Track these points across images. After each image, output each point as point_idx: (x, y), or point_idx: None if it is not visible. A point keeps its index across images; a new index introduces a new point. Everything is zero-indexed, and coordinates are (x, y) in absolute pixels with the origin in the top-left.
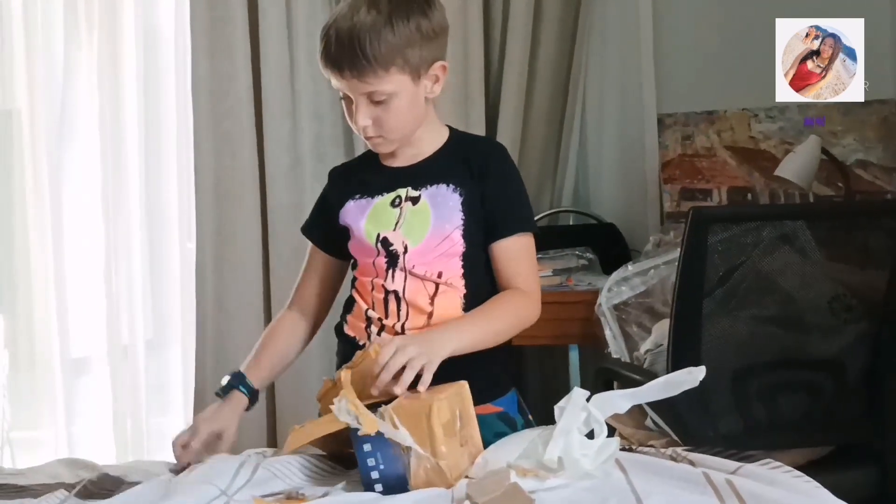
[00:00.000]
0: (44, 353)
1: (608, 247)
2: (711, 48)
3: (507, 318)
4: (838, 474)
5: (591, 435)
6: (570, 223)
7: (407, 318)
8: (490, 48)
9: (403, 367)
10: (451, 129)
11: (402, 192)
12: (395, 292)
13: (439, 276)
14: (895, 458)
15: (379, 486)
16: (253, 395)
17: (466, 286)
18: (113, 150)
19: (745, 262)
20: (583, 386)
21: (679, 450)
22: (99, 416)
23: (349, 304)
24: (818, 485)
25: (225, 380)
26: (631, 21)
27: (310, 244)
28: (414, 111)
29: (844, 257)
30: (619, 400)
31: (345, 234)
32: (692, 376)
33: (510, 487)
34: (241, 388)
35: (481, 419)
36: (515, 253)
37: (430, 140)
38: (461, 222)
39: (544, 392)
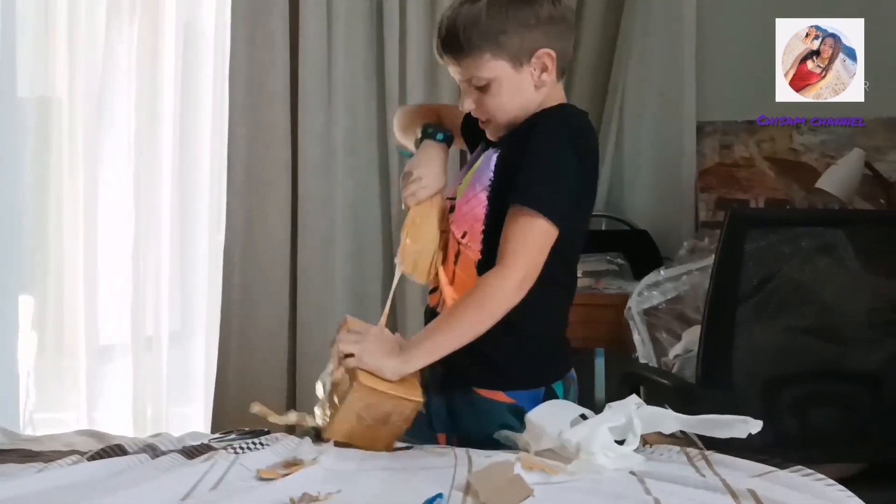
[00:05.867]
0: (70, 338)
1: (640, 254)
2: (755, 56)
3: (467, 318)
4: (871, 492)
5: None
6: (602, 228)
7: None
8: None
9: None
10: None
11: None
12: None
13: (463, 236)
14: None
15: None
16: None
17: (482, 252)
18: (148, 139)
19: (782, 270)
20: (607, 390)
21: (694, 450)
22: (121, 402)
23: None
24: (852, 495)
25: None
26: (674, 27)
27: None
28: (517, 98)
29: (885, 269)
30: (668, 420)
31: None
32: (746, 426)
33: (513, 478)
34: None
35: (488, 404)
36: (511, 224)
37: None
38: (489, 182)
39: None
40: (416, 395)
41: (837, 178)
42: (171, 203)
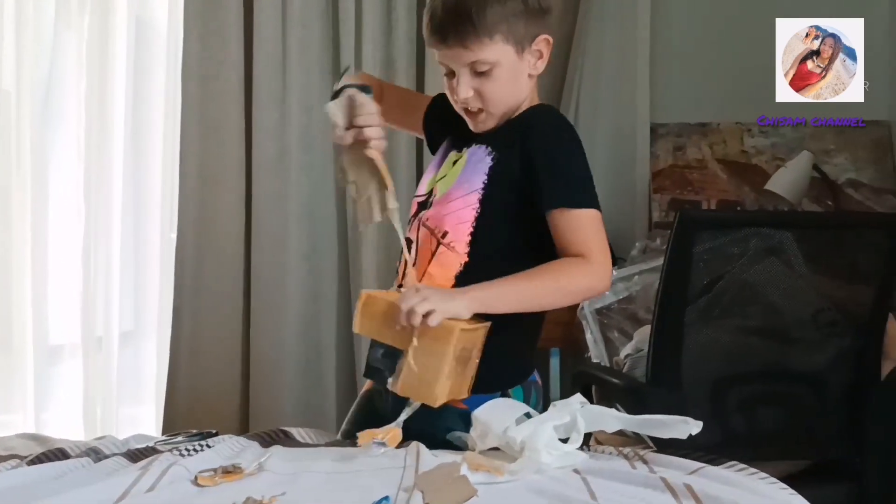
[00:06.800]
0: (18, 338)
1: None
2: (708, 60)
3: (550, 284)
4: (815, 489)
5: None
6: None
7: (405, 274)
8: None
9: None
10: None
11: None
12: (410, 241)
13: (443, 235)
14: (874, 475)
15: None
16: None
17: (470, 255)
18: (99, 135)
19: (731, 271)
20: (561, 389)
21: (637, 449)
22: (70, 403)
23: None
24: (784, 486)
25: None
26: (628, 30)
27: None
28: (515, 85)
29: (831, 271)
30: (611, 419)
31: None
32: (687, 427)
33: (457, 479)
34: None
35: (440, 407)
36: (564, 226)
37: (514, 115)
38: (482, 185)
39: None
40: (483, 323)
41: (786, 181)
42: (123, 200)
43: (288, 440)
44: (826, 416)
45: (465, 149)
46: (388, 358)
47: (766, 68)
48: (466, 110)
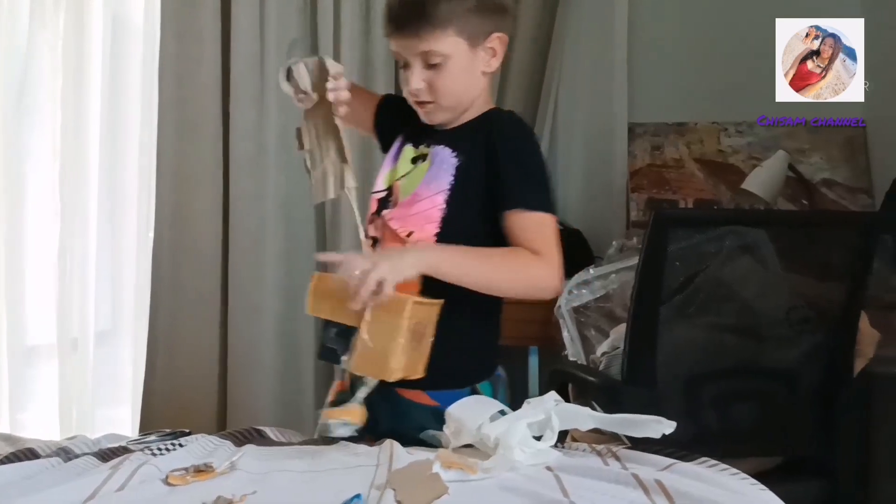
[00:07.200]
0: None
1: (573, 253)
2: (685, 60)
3: (503, 266)
4: (787, 486)
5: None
6: None
7: None
8: None
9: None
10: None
11: (427, 150)
12: (376, 239)
13: (409, 235)
14: (846, 472)
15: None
16: None
17: None
18: (74, 133)
19: (705, 270)
20: (541, 387)
21: (611, 446)
22: (47, 404)
23: None
24: (755, 482)
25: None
26: (606, 30)
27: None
28: (468, 80)
29: (805, 269)
30: (585, 418)
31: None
32: (660, 427)
33: (429, 476)
34: None
35: (409, 405)
36: (519, 227)
37: (472, 115)
38: (448, 186)
39: None
40: (437, 300)
41: (762, 180)
42: (99, 199)
43: (261, 439)
44: (799, 412)
45: (421, 145)
46: (341, 337)
47: (748, 67)
48: (418, 101)
